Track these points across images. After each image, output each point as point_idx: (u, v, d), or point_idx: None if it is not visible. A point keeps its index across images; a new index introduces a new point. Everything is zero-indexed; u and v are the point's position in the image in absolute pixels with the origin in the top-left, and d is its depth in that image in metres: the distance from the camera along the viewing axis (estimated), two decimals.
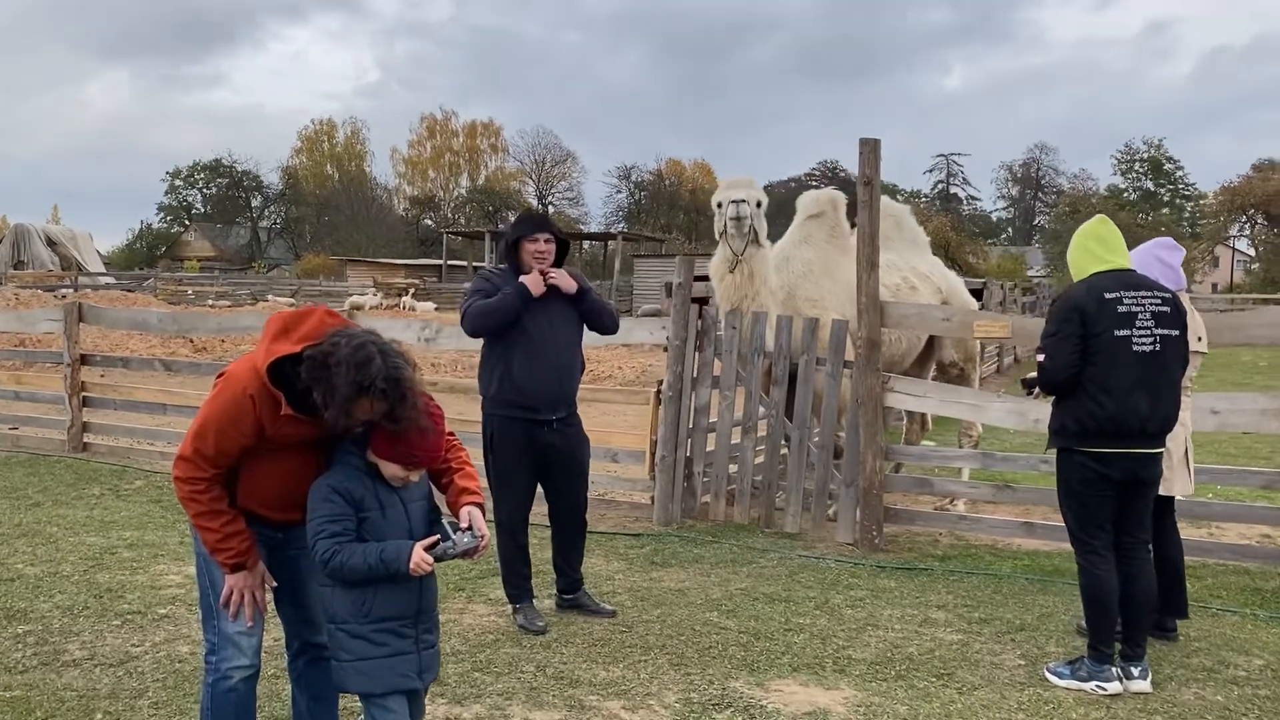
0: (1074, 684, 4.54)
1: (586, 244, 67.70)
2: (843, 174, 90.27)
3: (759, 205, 7.38)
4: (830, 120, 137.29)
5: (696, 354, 7.43)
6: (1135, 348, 4.49)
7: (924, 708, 4.31)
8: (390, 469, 3.13)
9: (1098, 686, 4.49)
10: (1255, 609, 5.66)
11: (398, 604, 3.12)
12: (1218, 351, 12.68)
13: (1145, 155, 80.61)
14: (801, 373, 7.16)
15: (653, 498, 7.41)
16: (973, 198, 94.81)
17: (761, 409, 7.32)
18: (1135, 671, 4.53)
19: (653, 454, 7.43)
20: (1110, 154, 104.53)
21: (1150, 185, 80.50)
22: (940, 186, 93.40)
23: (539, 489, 5.42)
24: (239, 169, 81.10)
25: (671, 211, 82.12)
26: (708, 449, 7.46)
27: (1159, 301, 4.57)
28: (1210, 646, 5.04)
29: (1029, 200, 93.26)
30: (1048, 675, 4.64)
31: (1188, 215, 75.21)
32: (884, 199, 8.76)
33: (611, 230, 71.10)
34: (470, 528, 3.13)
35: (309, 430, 3.14)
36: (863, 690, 4.50)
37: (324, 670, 3.42)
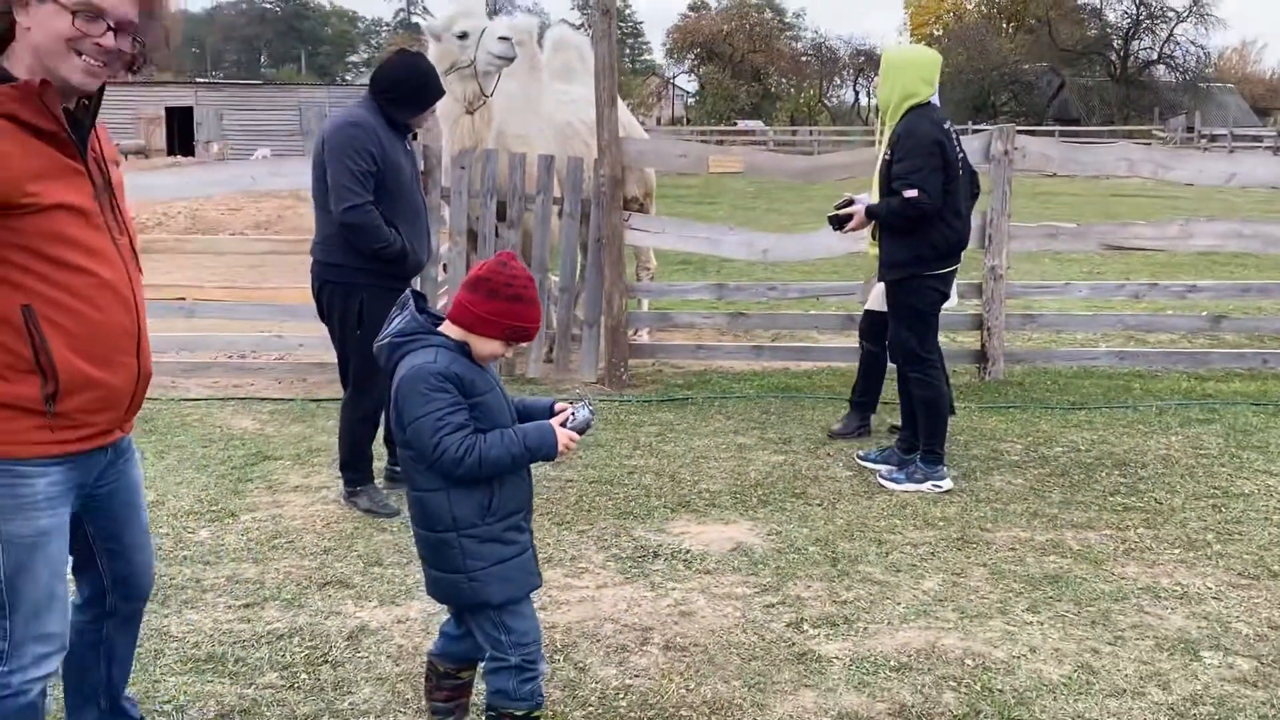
0: (911, 486, 5.04)
1: None
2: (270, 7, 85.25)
3: None
4: None
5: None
6: (960, 170, 4.95)
7: (818, 526, 4.57)
8: (489, 346, 2.65)
9: (934, 485, 5.04)
10: (966, 402, 6.60)
11: (517, 495, 2.72)
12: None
13: None
14: (539, 213, 6.89)
15: None
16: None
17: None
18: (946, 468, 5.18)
19: None
20: None
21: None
22: (402, 15, 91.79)
23: None
24: None
25: None
26: (440, 302, 6.98)
27: (952, 123, 5.05)
28: (975, 438, 5.84)
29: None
30: (885, 483, 5.08)
31: (629, 52, 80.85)
32: (566, 30, 8.54)
33: None
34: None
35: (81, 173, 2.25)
36: (752, 520, 4.66)
37: (133, 633, 2.68)
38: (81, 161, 2.27)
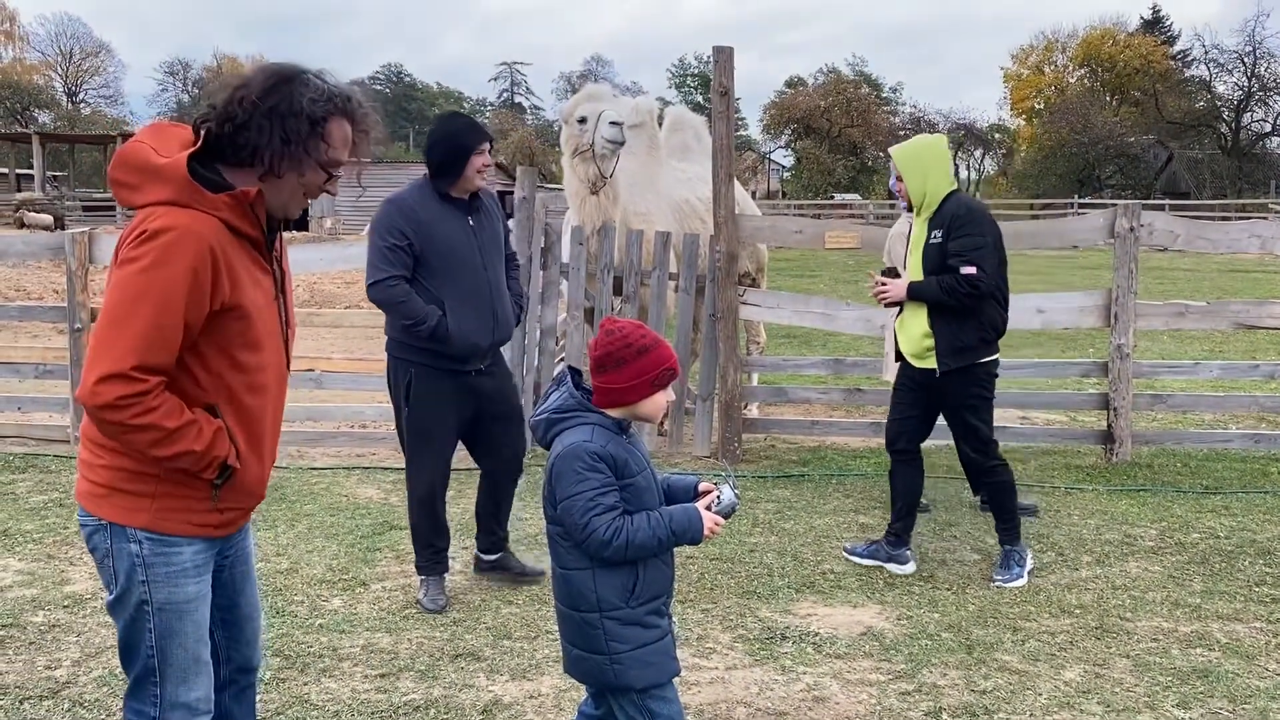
0: (1028, 571, 4.86)
1: None
2: (408, 79, 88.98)
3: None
4: (390, 22, 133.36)
5: (541, 272, 6.98)
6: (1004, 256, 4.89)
7: (949, 611, 4.46)
8: (651, 404, 2.67)
9: (1030, 567, 4.88)
10: (1094, 484, 6.42)
11: (660, 580, 2.71)
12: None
13: (696, 71, 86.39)
14: (655, 288, 6.97)
15: None
16: (536, 107, 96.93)
17: None
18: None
19: None
20: (664, 68, 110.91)
21: (700, 99, 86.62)
22: (506, 95, 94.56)
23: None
24: None
25: None
26: (555, 372, 7.09)
27: None
28: (1106, 522, 5.66)
29: None
30: (1004, 586, 4.75)
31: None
32: (683, 110, 8.71)
33: None
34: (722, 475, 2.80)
35: (267, 274, 2.39)
36: (880, 603, 4.56)
37: (249, 703, 2.69)
38: (269, 261, 2.39)
